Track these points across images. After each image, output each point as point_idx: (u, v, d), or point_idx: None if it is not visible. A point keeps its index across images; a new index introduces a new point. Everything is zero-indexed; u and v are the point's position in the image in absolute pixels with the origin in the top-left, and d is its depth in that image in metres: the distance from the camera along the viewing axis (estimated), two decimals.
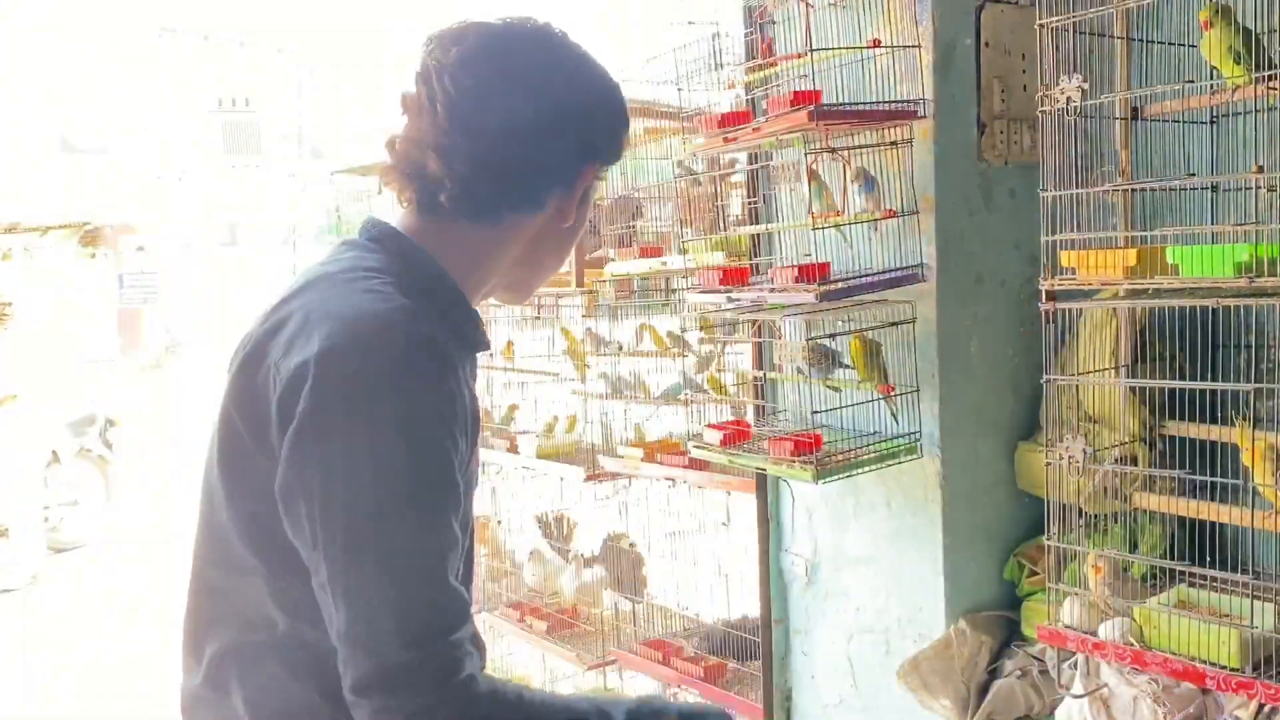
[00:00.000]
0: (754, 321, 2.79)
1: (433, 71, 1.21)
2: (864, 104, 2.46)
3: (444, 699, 1.09)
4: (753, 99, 2.77)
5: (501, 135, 1.20)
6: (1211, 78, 2.07)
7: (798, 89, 2.39)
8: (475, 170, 1.21)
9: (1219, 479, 2.06)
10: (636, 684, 3.60)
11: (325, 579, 1.10)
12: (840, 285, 2.40)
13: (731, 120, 2.60)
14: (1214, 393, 2.11)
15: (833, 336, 2.55)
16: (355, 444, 1.09)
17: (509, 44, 1.23)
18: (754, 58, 2.74)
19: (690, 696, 3.03)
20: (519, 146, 1.21)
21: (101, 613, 6.01)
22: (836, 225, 2.51)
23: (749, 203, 2.92)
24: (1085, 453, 2.15)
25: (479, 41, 1.22)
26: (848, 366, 2.58)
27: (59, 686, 4.97)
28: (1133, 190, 2.24)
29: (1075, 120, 2.13)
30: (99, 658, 5.33)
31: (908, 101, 2.43)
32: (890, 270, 2.48)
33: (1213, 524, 2.14)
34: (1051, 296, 2.16)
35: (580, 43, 1.30)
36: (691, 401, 3.01)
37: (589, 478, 3.43)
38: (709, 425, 2.77)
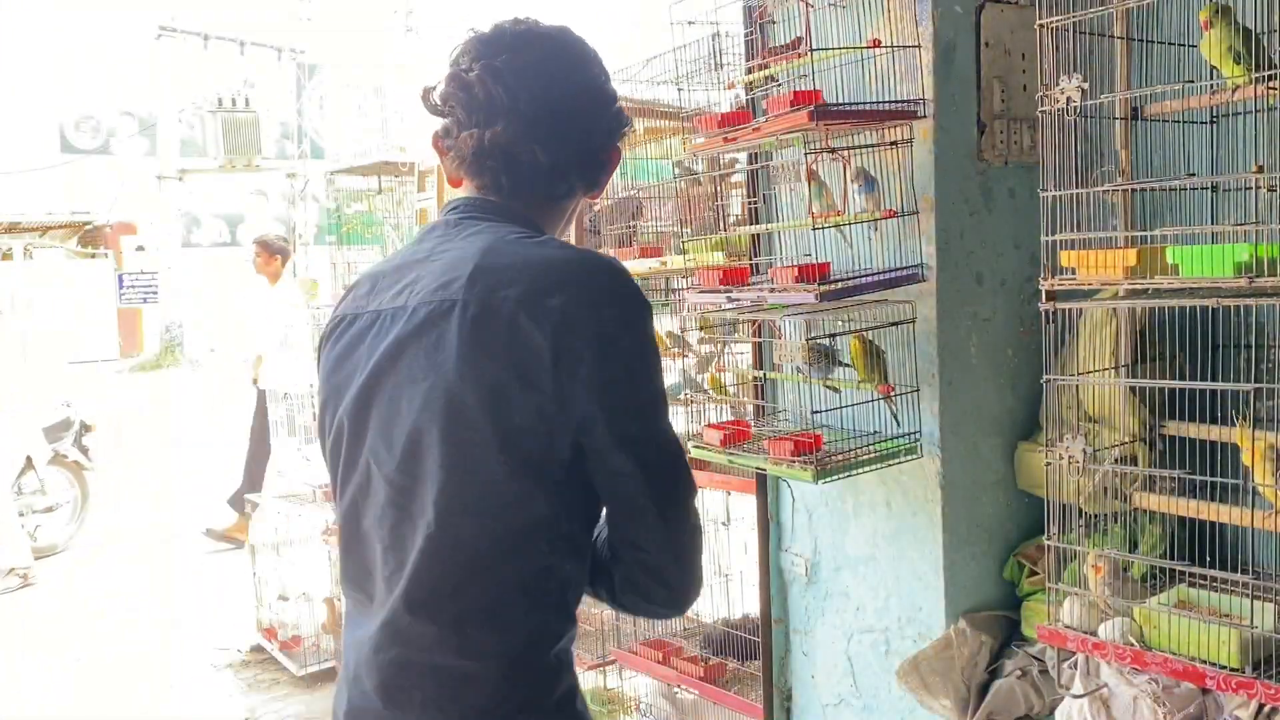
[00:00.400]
0: (754, 321, 2.79)
1: (479, 67, 1.36)
2: (864, 104, 2.46)
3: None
4: (753, 99, 2.78)
5: (558, 121, 1.37)
6: (1211, 78, 2.07)
7: (798, 89, 2.39)
8: (518, 153, 1.37)
9: (1219, 479, 2.06)
10: (636, 684, 3.60)
11: (633, 489, 1.29)
12: (840, 285, 2.40)
13: (731, 120, 2.60)
14: (1214, 393, 2.11)
15: (833, 336, 2.55)
16: (641, 364, 1.30)
17: (545, 42, 1.41)
18: (754, 58, 2.74)
19: (690, 696, 3.03)
20: (573, 130, 1.39)
21: (78, 617, 6.01)
22: (836, 225, 2.51)
23: (749, 203, 2.92)
24: (1085, 453, 2.15)
25: (518, 42, 1.39)
26: (847, 366, 2.58)
27: (40, 691, 4.97)
28: (1133, 190, 2.24)
29: (1075, 120, 2.13)
30: (75, 663, 5.32)
31: (908, 101, 2.43)
32: (890, 270, 2.48)
33: (1213, 524, 2.14)
34: (1051, 296, 2.16)
35: (579, 35, 1.47)
36: (691, 401, 3.01)
37: None
38: (709, 425, 2.77)
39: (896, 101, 2.43)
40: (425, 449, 1.27)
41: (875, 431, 2.55)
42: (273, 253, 7.12)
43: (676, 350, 3.33)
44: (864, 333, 2.50)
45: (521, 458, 1.25)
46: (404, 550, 1.29)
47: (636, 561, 1.35)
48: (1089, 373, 2.32)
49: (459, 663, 1.27)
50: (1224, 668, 1.96)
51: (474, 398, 1.25)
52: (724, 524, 3.45)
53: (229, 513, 7.14)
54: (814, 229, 2.50)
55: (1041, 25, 2.13)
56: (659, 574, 1.35)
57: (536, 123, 1.36)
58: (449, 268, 1.31)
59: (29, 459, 6.87)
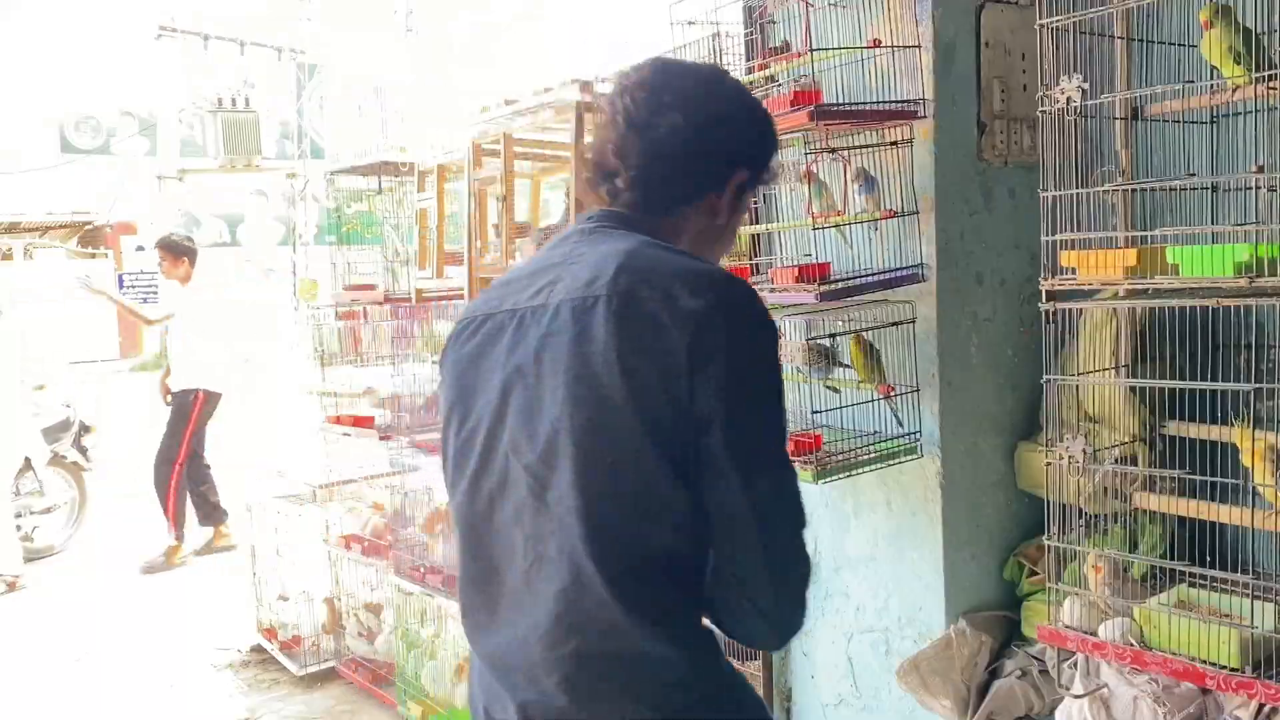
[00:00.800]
0: None
1: (617, 92, 1.50)
2: (864, 104, 2.46)
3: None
4: None
5: (666, 139, 1.44)
6: (1211, 78, 2.07)
7: (798, 89, 2.39)
8: (647, 168, 1.45)
9: (1219, 479, 2.06)
10: None
11: (735, 502, 1.31)
12: (840, 285, 2.40)
13: None
14: (1214, 393, 2.10)
15: (833, 336, 2.55)
16: (764, 381, 1.35)
17: (674, 69, 1.54)
18: (754, 58, 2.74)
19: None
20: (680, 148, 1.45)
21: (77, 617, 6.01)
22: (836, 225, 2.51)
23: (749, 203, 2.91)
24: (1085, 453, 2.15)
25: (653, 67, 1.52)
26: (847, 366, 2.58)
27: (40, 691, 4.97)
28: (1133, 190, 2.24)
29: (1075, 120, 2.13)
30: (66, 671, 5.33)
31: (908, 101, 2.43)
32: (890, 270, 2.48)
33: (1213, 524, 2.14)
34: (1051, 296, 2.16)
35: (737, 79, 1.58)
36: None
37: None
38: None
39: (896, 101, 2.43)
40: (570, 436, 1.31)
41: (875, 431, 2.55)
42: (177, 255, 6.89)
43: None
44: (862, 333, 2.50)
45: (661, 447, 1.29)
46: (547, 541, 1.33)
47: (734, 582, 1.36)
48: (1089, 373, 2.32)
49: (643, 646, 1.30)
50: (1224, 668, 1.96)
51: (619, 387, 1.29)
52: None
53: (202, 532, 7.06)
54: (814, 229, 2.50)
55: (1041, 25, 2.13)
56: (754, 600, 1.36)
57: (641, 139, 1.45)
58: (592, 267, 1.36)
59: (27, 460, 6.86)
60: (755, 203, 2.90)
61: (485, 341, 1.42)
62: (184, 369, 6.85)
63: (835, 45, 2.48)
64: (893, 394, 2.50)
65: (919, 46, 2.47)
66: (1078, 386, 2.31)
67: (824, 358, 2.60)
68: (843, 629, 2.83)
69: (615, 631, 1.30)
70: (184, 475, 6.78)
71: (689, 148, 1.45)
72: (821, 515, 2.85)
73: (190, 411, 6.76)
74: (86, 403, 7.57)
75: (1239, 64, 1.95)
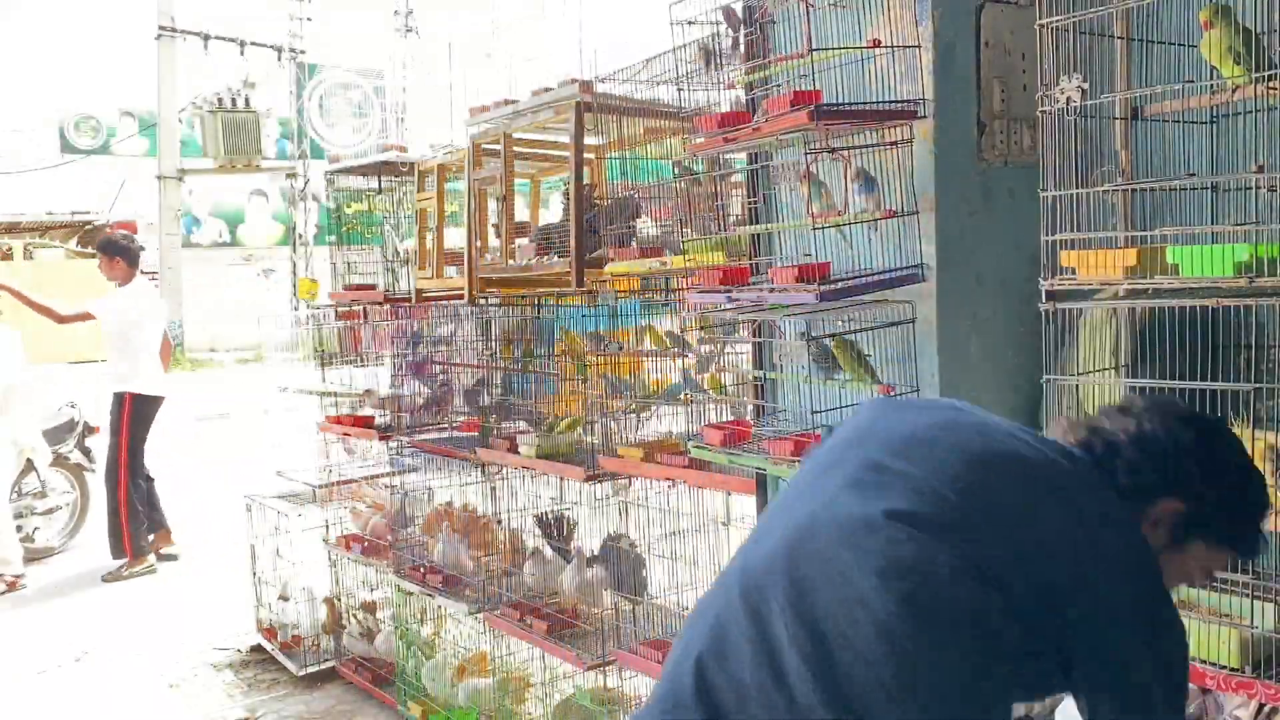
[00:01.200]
0: (754, 321, 2.79)
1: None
2: (864, 104, 2.46)
3: None
4: (753, 99, 2.78)
5: (1128, 438, 1.56)
6: (1211, 78, 2.07)
7: (798, 89, 2.39)
8: (1111, 453, 1.57)
9: None
10: (636, 684, 3.60)
11: None
12: (840, 285, 2.40)
13: (731, 120, 2.60)
14: (1214, 393, 2.10)
15: (833, 337, 2.55)
16: None
17: (1177, 409, 1.64)
18: (755, 58, 2.74)
19: None
20: (1131, 448, 1.56)
21: (77, 618, 6.01)
22: (836, 225, 2.51)
23: (749, 203, 2.92)
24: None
25: (1167, 403, 1.70)
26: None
27: (40, 691, 4.97)
28: (1133, 190, 2.24)
29: (1075, 120, 2.13)
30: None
31: (908, 101, 2.43)
32: (890, 270, 2.48)
33: None
34: (1051, 296, 2.16)
35: (1236, 444, 1.63)
36: (691, 401, 3.01)
37: (589, 478, 3.43)
38: (709, 425, 2.77)
39: (896, 101, 2.43)
40: None
41: None
42: (111, 255, 6.74)
43: (676, 350, 3.33)
44: (844, 336, 2.51)
45: None
46: None
47: None
48: (1089, 373, 2.32)
49: None
50: (1224, 668, 1.96)
51: None
52: (724, 524, 3.45)
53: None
54: (814, 229, 2.50)
55: (1041, 25, 2.13)
56: None
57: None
58: None
59: (30, 461, 6.86)
60: (755, 202, 2.91)
61: None
62: (115, 373, 6.68)
63: (835, 45, 2.48)
64: (892, 394, 2.50)
65: (919, 46, 2.46)
66: (1077, 386, 2.31)
67: (826, 357, 2.60)
68: None
69: None
70: (131, 483, 6.64)
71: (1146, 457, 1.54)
72: None
73: (121, 417, 6.61)
74: (88, 403, 7.58)
75: (1239, 64, 1.95)
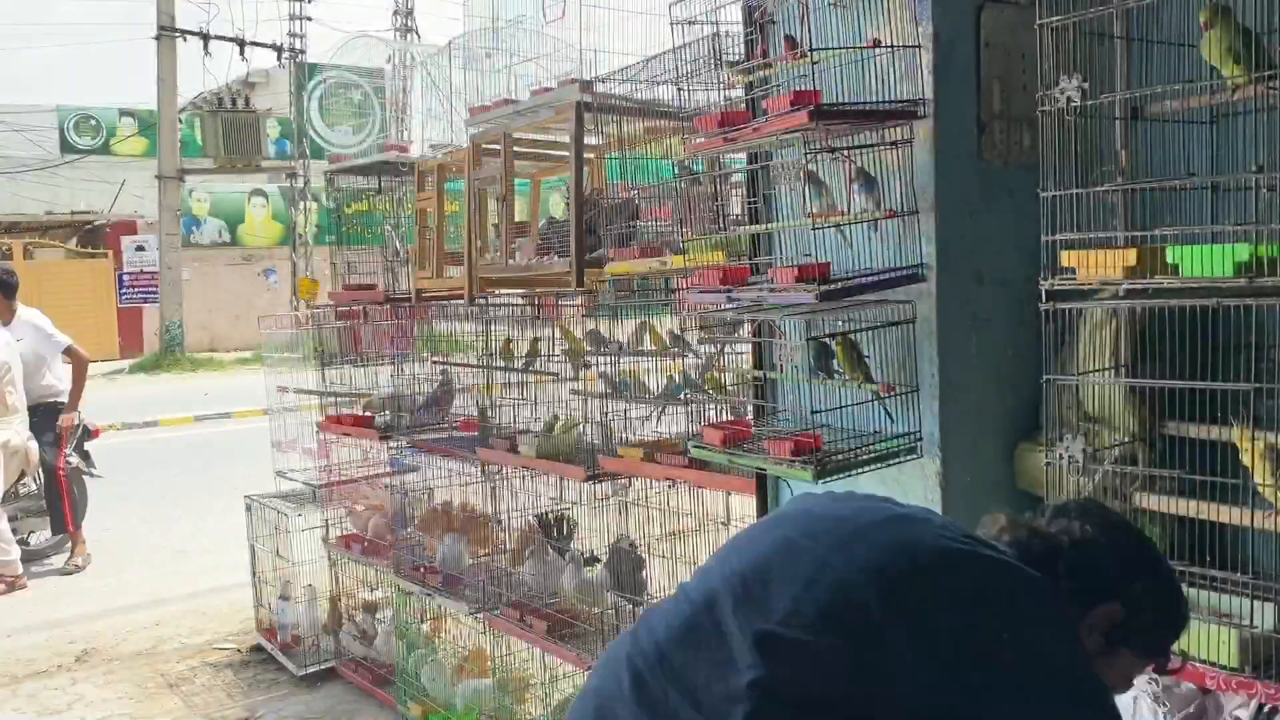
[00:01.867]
0: (754, 321, 2.79)
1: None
2: (864, 104, 2.46)
3: None
4: (753, 99, 2.78)
5: (1070, 542, 1.58)
6: (1211, 78, 2.07)
7: (798, 89, 2.39)
8: (1052, 556, 1.56)
9: (1219, 479, 2.06)
10: None
11: None
12: (840, 285, 2.40)
13: (731, 120, 2.60)
14: (1214, 393, 2.10)
15: (833, 336, 2.55)
16: None
17: (1112, 515, 1.68)
18: (754, 58, 2.74)
19: None
20: (1074, 552, 1.56)
21: (77, 618, 6.01)
22: (836, 225, 2.51)
23: (749, 203, 2.92)
24: (1085, 452, 2.15)
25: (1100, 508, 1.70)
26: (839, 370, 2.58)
27: (40, 690, 4.97)
28: (1133, 190, 2.24)
29: (1075, 120, 2.13)
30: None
31: (908, 101, 2.43)
32: (890, 270, 2.48)
33: (1213, 524, 2.14)
34: (1051, 296, 2.16)
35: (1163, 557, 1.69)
36: (691, 401, 3.00)
37: (589, 478, 3.43)
38: (709, 425, 2.77)
39: (896, 101, 2.43)
40: None
41: (875, 431, 2.55)
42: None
43: (676, 350, 3.33)
44: (847, 334, 2.51)
45: None
46: None
47: None
48: (1089, 372, 2.32)
49: None
50: (1224, 668, 1.96)
51: None
52: (724, 524, 3.45)
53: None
54: (814, 229, 2.50)
55: (1041, 25, 2.13)
56: None
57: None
58: None
59: (27, 460, 6.85)
60: (754, 202, 2.91)
61: None
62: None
63: (835, 45, 2.47)
64: (892, 393, 2.50)
65: (919, 46, 2.46)
66: (1077, 386, 2.31)
67: (826, 357, 2.59)
68: None
69: None
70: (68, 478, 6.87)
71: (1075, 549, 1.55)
72: None
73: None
74: (90, 404, 7.57)
75: (1239, 64, 1.95)
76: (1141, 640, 1.58)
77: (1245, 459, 2.03)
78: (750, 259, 2.88)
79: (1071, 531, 1.57)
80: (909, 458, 2.51)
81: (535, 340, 3.80)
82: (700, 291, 2.71)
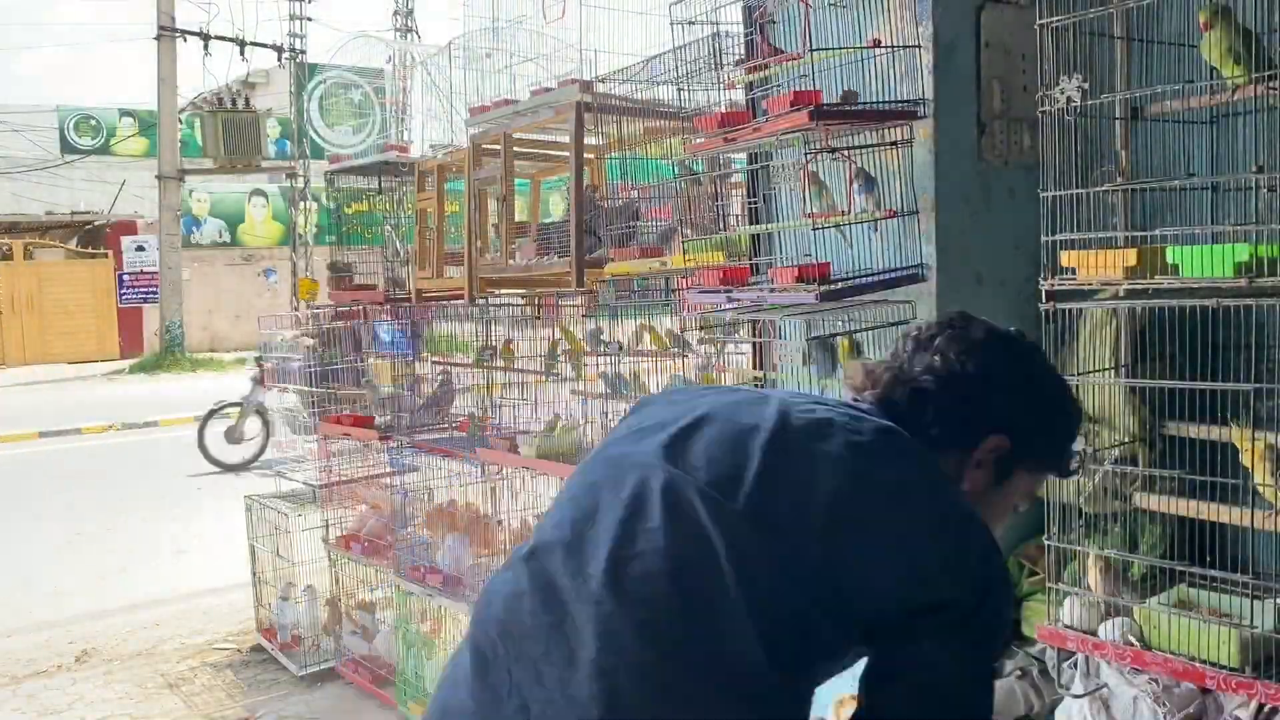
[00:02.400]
0: (754, 321, 2.79)
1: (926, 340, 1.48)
2: (864, 104, 2.46)
3: None
4: (753, 99, 2.77)
5: (936, 382, 1.42)
6: (1211, 78, 2.07)
7: (798, 89, 2.39)
8: (920, 402, 1.42)
9: (1219, 479, 2.06)
10: None
11: None
12: (840, 285, 2.40)
13: (731, 120, 2.60)
14: (1214, 393, 2.10)
15: (833, 336, 2.55)
16: None
17: (977, 333, 1.48)
18: (755, 58, 2.74)
19: None
20: (943, 393, 1.42)
21: (76, 618, 6.01)
22: (836, 225, 2.51)
23: (749, 203, 2.92)
24: (1085, 453, 2.15)
25: (962, 326, 1.49)
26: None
27: (40, 690, 4.97)
28: (1133, 190, 2.24)
29: (1075, 120, 2.13)
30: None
31: (908, 101, 2.43)
32: (890, 270, 2.48)
33: (1213, 524, 2.14)
34: (1051, 296, 2.16)
35: (1041, 358, 1.54)
36: None
37: None
38: None
39: (896, 101, 2.43)
40: None
41: None
42: None
43: (676, 350, 3.33)
44: (852, 334, 2.51)
45: None
46: None
47: None
48: (1089, 373, 2.32)
49: None
50: (1224, 668, 1.95)
51: None
52: None
53: None
54: (814, 229, 2.50)
55: (1041, 25, 2.13)
56: None
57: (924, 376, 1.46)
58: None
59: None
60: (755, 202, 2.91)
61: None
62: None
63: (835, 45, 2.47)
64: None
65: (919, 46, 2.46)
66: (1077, 386, 2.31)
67: (826, 356, 2.59)
68: None
69: None
70: None
71: (947, 397, 1.42)
72: None
73: None
74: (89, 404, 7.57)
75: (1239, 64, 1.95)
76: (1034, 459, 1.47)
77: (1245, 459, 2.03)
78: (750, 259, 2.88)
79: (935, 368, 1.43)
80: None
81: (555, 342, 3.79)
82: (700, 292, 2.71)
